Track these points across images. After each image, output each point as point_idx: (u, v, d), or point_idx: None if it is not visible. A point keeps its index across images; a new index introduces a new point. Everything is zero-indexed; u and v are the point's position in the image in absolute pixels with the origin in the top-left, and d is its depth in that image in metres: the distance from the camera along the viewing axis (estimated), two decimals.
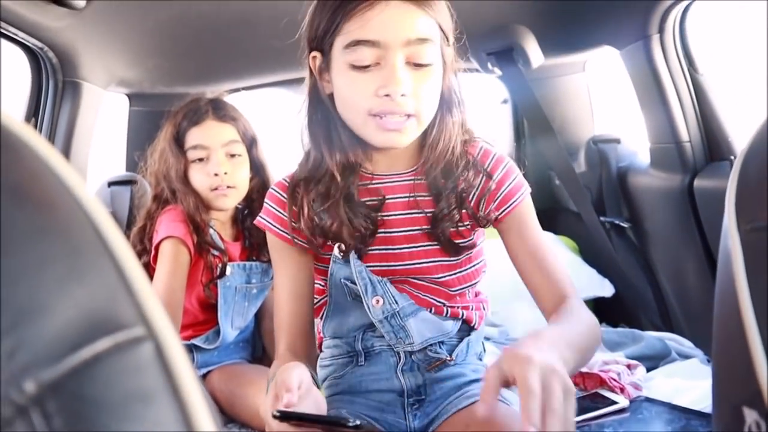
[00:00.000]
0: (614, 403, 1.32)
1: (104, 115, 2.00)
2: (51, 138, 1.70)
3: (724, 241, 0.49)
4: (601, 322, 2.19)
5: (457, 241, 1.00)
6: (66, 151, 1.75)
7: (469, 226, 1.01)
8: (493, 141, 1.06)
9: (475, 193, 1.00)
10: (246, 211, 1.66)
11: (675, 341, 1.67)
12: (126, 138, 2.27)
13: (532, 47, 2.06)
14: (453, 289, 1.04)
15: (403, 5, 0.86)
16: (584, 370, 1.49)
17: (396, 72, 0.86)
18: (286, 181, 1.05)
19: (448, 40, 0.94)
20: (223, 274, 1.53)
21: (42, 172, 0.28)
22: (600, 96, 2.51)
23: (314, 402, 0.79)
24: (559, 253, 2.27)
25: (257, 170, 1.63)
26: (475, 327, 1.09)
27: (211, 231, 1.56)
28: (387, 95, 0.87)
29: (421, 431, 1.02)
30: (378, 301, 1.00)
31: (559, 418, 0.63)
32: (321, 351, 1.13)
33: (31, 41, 1.51)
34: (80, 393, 0.23)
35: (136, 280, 0.27)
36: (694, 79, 1.73)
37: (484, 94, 2.77)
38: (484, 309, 1.12)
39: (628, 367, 1.48)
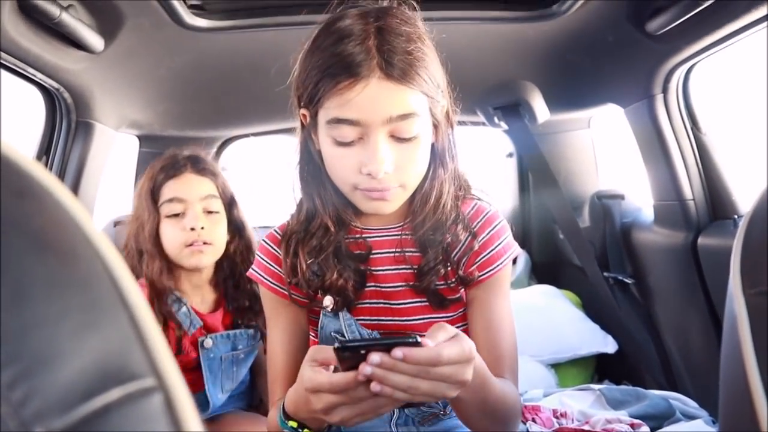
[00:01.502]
0: None
1: (114, 155, 2.03)
2: (61, 176, 1.72)
3: (730, 305, 0.50)
4: (603, 379, 2.17)
5: (445, 296, 0.98)
6: (75, 190, 1.76)
7: (455, 282, 0.98)
8: (491, 196, 1.05)
9: (458, 251, 0.98)
10: (229, 276, 1.56)
11: (679, 401, 1.64)
12: (134, 178, 2.29)
13: (538, 103, 2.10)
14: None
15: (383, 84, 0.82)
16: (586, 428, 1.46)
17: (378, 152, 0.83)
18: (277, 233, 1.04)
19: (439, 101, 0.90)
20: (201, 346, 1.47)
21: (65, 222, 0.29)
22: (605, 152, 2.54)
23: None
24: (562, 308, 2.26)
25: (238, 231, 1.56)
26: None
27: (182, 305, 1.49)
28: (369, 174, 0.85)
29: None
30: None
31: (431, 379, 0.70)
32: None
33: (49, 82, 1.54)
34: None
35: (149, 332, 0.27)
36: (697, 138, 1.76)
37: (489, 147, 2.81)
38: None
39: (632, 426, 1.45)
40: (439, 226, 0.96)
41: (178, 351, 1.45)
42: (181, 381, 0.27)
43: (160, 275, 1.44)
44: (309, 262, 0.97)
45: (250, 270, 1.05)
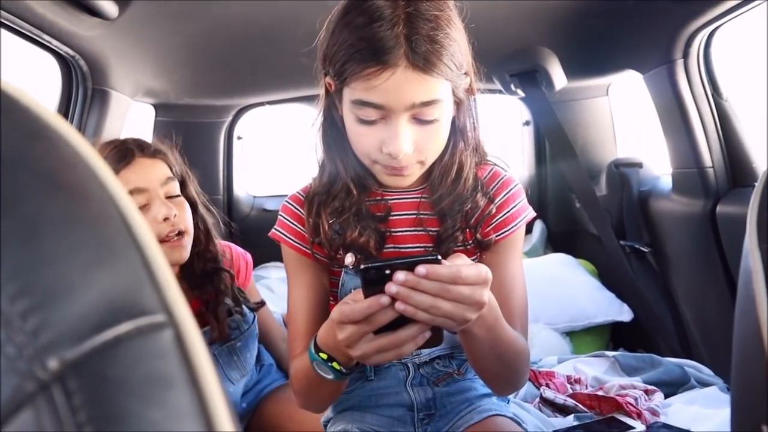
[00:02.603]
0: (630, 428, 1.30)
1: (130, 124, 2.04)
2: None
3: (745, 261, 0.49)
4: (618, 347, 2.17)
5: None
6: None
7: (472, 245, 1.00)
8: (506, 162, 1.06)
9: (475, 215, 1.00)
10: (193, 258, 1.41)
11: (694, 368, 1.64)
12: None
13: (555, 69, 2.07)
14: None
15: (408, 73, 0.83)
16: (600, 393, 1.47)
17: (399, 135, 0.86)
18: (301, 195, 1.05)
19: (461, 83, 0.91)
20: None
21: (76, 163, 0.29)
22: (623, 120, 2.50)
23: None
24: (577, 277, 2.26)
25: (194, 208, 1.42)
26: None
27: None
28: (389, 153, 0.88)
29: None
30: None
31: (453, 299, 0.72)
32: None
33: (64, 49, 1.54)
34: (101, 373, 0.23)
35: (160, 271, 0.28)
36: (717, 104, 1.73)
37: (506, 115, 2.78)
38: None
39: (646, 392, 1.46)
40: (458, 197, 0.97)
41: None
42: (191, 319, 0.27)
43: None
44: (331, 222, 0.99)
45: (273, 231, 1.05)
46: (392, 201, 1.02)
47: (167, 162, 1.37)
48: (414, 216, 1.01)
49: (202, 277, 1.43)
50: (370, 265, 0.73)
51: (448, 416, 1.03)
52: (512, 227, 0.99)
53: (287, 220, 1.04)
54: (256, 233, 1.94)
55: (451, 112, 0.92)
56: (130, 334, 0.25)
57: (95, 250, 0.26)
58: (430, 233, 0.99)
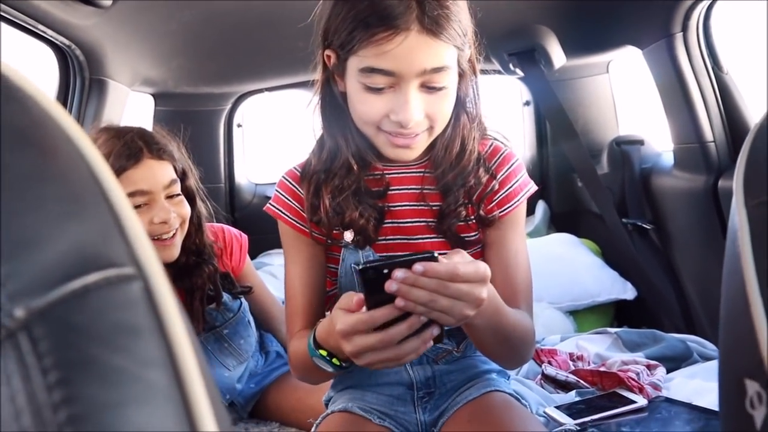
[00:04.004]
0: (632, 402, 1.31)
1: (129, 114, 2.04)
2: None
3: (732, 219, 0.49)
4: (622, 324, 2.17)
5: (463, 236, 1.00)
6: None
7: (474, 220, 1.00)
8: (507, 138, 1.06)
9: (477, 191, 0.99)
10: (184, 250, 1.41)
11: (697, 343, 1.64)
12: None
13: (553, 48, 2.05)
14: (444, 252, 1.04)
15: (420, 38, 0.83)
16: (603, 369, 1.47)
17: (409, 102, 0.86)
18: (297, 170, 1.04)
19: (465, 51, 0.91)
20: None
21: (45, 122, 0.29)
22: (625, 97, 2.49)
23: None
24: (580, 256, 2.26)
25: (192, 201, 1.43)
26: None
27: None
28: (398, 122, 0.88)
29: (431, 424, 1.02)
30: None
31: (450, 295, 0.73)
32: None
33: (59, 39, 1.54)
34: (68, 320, 0.23)
35: (130, 226, 0.28)
36: (718, 77, 1.71)
37: (506, 96, 2.76)
38: None
39: (648, 367, 1.46)
40: (462, 171, 0.97)
41: None
42: (161, 273, 0.27)
43: None
44: (330, 200, 0.98)
45: (268, 205, 1.04)
46: (393, 176, 1.02)
47: (173, 162, 1.37)
48: (416, 191, 1.00)
49: (184, 270, 1.43)
50: (368, 265, 0.73)
51: (448, 393, 1.03)
52: (515, 202, 0.99)
53: (284, 196, 1.03)
54: (258, 221, 1.93)
55: (456, 82, 0.92)
56: (98, 284, 0.25)
57: (64, 204, 0.26)
58: (433, 208, 0.99)
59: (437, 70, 0.86)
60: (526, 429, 0.92)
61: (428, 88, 0.87)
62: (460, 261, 0.75)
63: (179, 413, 0.23)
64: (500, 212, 0.99)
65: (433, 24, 0.83)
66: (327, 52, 0.93)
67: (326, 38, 0.92)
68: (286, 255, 1.06)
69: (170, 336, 0.25)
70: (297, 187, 1.02)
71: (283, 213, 1.02)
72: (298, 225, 1.02)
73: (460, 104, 0.96)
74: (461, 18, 0.87)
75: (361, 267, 0.73)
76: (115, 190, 0.29)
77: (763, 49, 1.77)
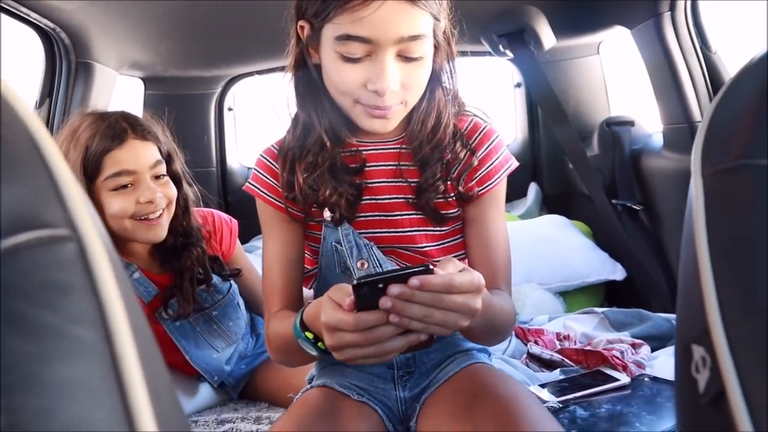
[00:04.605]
0: (615, 380, 1.32)
1: (120, 98, 2.04)
2: (64, 118, 1.73)
3: (690, 189, 0.49)
4: (612, 305, 2.18)
5: (442, 212, 1.00)
6: None
7: (454, 197, 1.00)
8: (487, 114, 1.05)
9: (457, 168, 1.00)
10: (173, 239, 1.43)
11: None
12: None
13: (543, 28, 2.04)
14: (438, 260, 1.01)
15: (397, 4, 0.82)
16: (588, 348, 1.48)
17: (386, 70, 0.85)
18: (275, 147, 1.04)
19: (441, 21, 0.91)
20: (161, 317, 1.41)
21: None
22: (616, 78, 2.48)
23: None
24: (571, 237, 2.26)
25: (178, 184, 1.43)
26: None
27: (133, 271, 1.40)
28: (375, 91, 0.87)
29: (412, 400, 1.03)
30: (363, 264, 1.01)
31: (445, 307, 0.72)
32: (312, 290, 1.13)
33: (44, 22, 1.54)
34: None
35: (67, 189, 0.28)
36: (706, 57, 1.71)
37: (497, 78, 2.76)
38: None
39: (633, 346, 1.47)
40: (438, 144, 0.98)
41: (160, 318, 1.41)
42: (97, 235, 0.28)
43: None
44: (305, 177, 0.98)
45: (247, 184, 1.04)
46: (369, 152, 1.01)
47: (157, 143, 1.38)
48: (393, 167, 1.00)
49: (172, 252, 1.44)
50: (363, 281, 0.72)
51: (428, 372, 1.04)
52: (495, 180, 1.00)
53: (261, 174, 1.03)
54: (250, 204, 1.93)
55: (432, 55, 0.92)
56: (29, 243, 0.25)
57: (1, 168, 0.27)
58: (411, 184, 0.99)
59: (414, 38, 0.85)
60: (509, 390, 0.92)
61: (404, 58, 0.87)
62: (455, 272, 0.74)
63: (106, 368, 0.24)
64: (480, 189, 0.99)
65: None
66: (300, 23, 0.92)
67: (300, 9, 0.91)
68: (263, 232, 1.05)
69: (102, 295, 0.26)
70: (274, 164, 1.02)
71: (261, 190, 1.03)
72: (275, 202, 1.02)
73: (435, 78, 0.95)
74: None
75: (355, 283, 0.72)
76: (56, 156, 0.29)
77: (751, 28, 1.76)
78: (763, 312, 0.37)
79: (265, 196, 1.02)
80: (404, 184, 1.00)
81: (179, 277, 1.44)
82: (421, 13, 0.85)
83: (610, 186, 2.17)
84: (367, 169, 1.01)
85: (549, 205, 2.72)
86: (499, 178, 1.00)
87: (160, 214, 1.35)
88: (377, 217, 1.01)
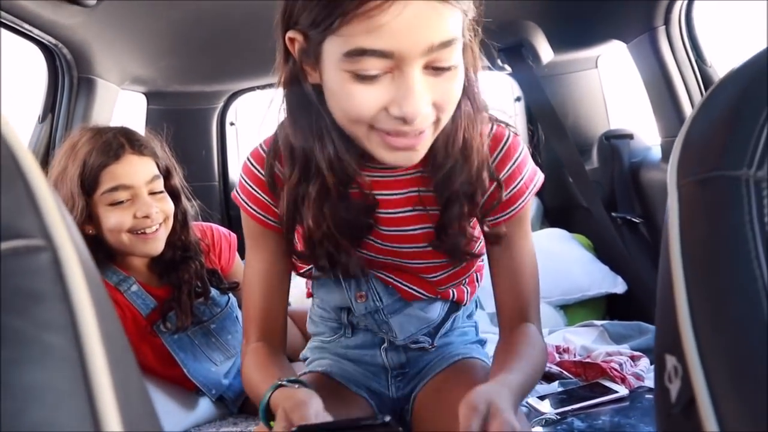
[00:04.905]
0: (614, 392, 1.32)
1: (123, 114, 2.06)
2: (67, 132, 1.76)
3: (668, 201, 0.50)
4: (614, 318, 2.18)
5: (465, 250, 0.89)
6: None
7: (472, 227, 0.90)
8: (507, 115, 0.93)
9: (484, 199, 0.87)
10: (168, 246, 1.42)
11: None
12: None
13: (541, 43, 2.06)
14: (443, 287, 0.99)
15: (424, 4, 0.65)
16: (587, 360, 1.48)
17: (414, 90, 0.68)
18: (262, 150, 0.91)
19: (468, 15, 0.75)
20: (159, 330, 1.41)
21: None
22: (616, 91, 2.49)
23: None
24: (571, 251, 2.26)
25: (176, 199, 1.43)
26: (465, 304, 1.05)
27: (131, 284, 1.41)
28: (402, 117, 0.70)
29: (404, 399, 1.03)
30: (362, 297, 0.96)
31: None
32: (311, 298, 1.09)
33: (46, 38, 1.56)
34: None
35: (43, 200, 0.29)
36: (702, 70, 1.72)
37: (497, 92, 2.77)
38: (477, 281, 1.07)
39: (632, 358, 1.47)
40: (468, 176, 0.83)
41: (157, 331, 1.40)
42: (72, 245, 0.29)
43: (103, 267, 1.35)
44: (308, 223, 0.85)
45: (233, 192, 0.97)
46: (380, 179, 0.88)
47: (155, 158, 1.39)
48: (407, 195, 0.88)
49: (170, 266, 1.45)
50: (301, 429, 0.64)
51: (420, 371, 1.03)
52: (521, 203, 0.88)
53: (248, 184, 0.92)
54: None
55: (462, 59, 0.74)
56: (4, 253, 0.26)
57: None
58: (429, 211, 0.87)
59: (446, 44, 0.68)
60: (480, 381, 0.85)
61: (434, 69, 0.70)
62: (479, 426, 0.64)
63: (74, 372, 0.25)
64: (503, 215, 0.88)
65: None
66: (290, 34, 0.74)
67: (288, 16, 0.73)
68: (247, 247, 0.96)
69: (73, 303, 0.27)
70: (261, 171, 0.90)
71: (247, 204, 0.93)
72: (262, 218, 0.92)
73: (463, 87, 0.77)
74: None
75: (294, 430, 0.64)
76: (33, 168, 0.30)
77: (746, 41, 1.78)
78: (731, 321, 0.37)
79: (249, 210, 0.92)
80: (422, 213, 0.88)
81: (177, 290, 1.45)
82: (452, 11, 0.68)
83: (610, 199, 2.17)
84: (379, 197, 0.88)
85: (549, 218, 2.73)
86: (524, 200, 0.88)
87: (157, 229, 1.36)
88: (381, 245, 0.93)
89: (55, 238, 0.28)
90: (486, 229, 0.89)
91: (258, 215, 0.92)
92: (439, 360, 1.02)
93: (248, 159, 0.94)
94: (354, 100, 0.70)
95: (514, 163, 0.87)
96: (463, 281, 1.03)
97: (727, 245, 0.40)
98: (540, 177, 0.91)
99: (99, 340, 0.26)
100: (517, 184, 0.87)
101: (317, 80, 0.75)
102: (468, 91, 0.80)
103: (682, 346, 0.39)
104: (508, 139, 0.87)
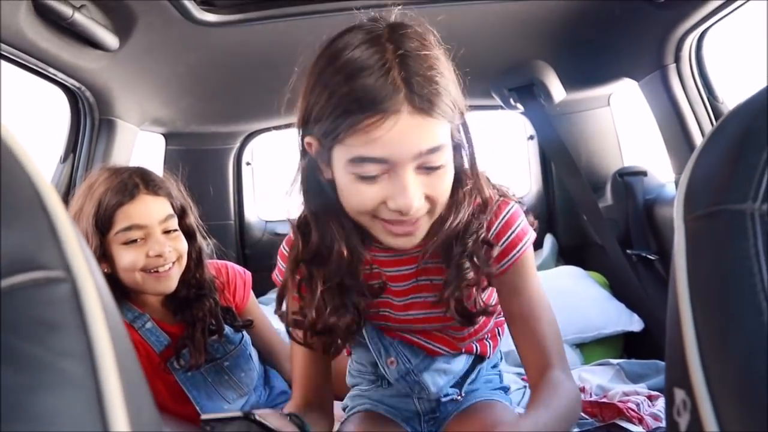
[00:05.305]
0: None
1: (142, 154, 2.11)
2: (87, 172, 1.79)
3: (675, 236, 0.51)
4: (631, 357, 2.15)
5: (471, 311, 0.95)
6: None
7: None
8: (502, 182, 1.02)
9: (479, 255, 0.94)
10: (182, 285, 1.44)
11: None
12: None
13: (552, 82, 2.09)
14: (464, 343, 1.09)
15: (412, 119, 0.76)
16: (603, 400, 1.46)
17: (407, 188, 0.79)
18: (285, 250, 1.05)
19: (457, 121, 0.85)
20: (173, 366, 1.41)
21: None
22: (629, 129, 2.51)
23: None
24: (587, 289, 2.25)
25: (190, 238, 1.45)
26: (489, 356, 1.15)
27: (146, 320, 1.42)
28: (398, 210, 0.82)
29: None
30: (392, 362, 1.06)
31: None
32: (350, 356, 1.21)
33: (70, 81, 1.61)
34: None
35: (65, 235, 0.31)
36: (714, 107, 1.73)
37: (511, 131, 2.80)
38: (499, 335, 1.18)
39: (649, 398, 1.45)
40: (457, 236, 0.93)
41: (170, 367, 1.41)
42: (91, 277, 0.30)
43: (117, 304, 1.35)
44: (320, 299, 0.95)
45: (274, 275, 1.07)
46: (388, 258, 1.00)
47: (169, 198, 1.41)
48: (414, 269, 0.99)
49: (185, 303, 1.46)
50: (207, 419, 0.75)
51: (450, 414, 1.12)
52: (514, 255, 0.95)
53: (284, 266, 1.02)
54: (268, 257, 1.96)
55: (452, 157, 0.86)
56: (25, 284, 0.27)
57: (1, 213, 0.29)
58: (434, 282, 0.98)
59: (434, 150, 0.79)
60: (497, 419, 0.98)
61: (425, 168, 0.81)
62: None
63: (90, 400, 0.26)
64: (498, 268, 0.95)
65: (424, 102, 0.77)
66: (308, 139, 0.87)
67: (306, 125, 0.86)
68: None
69: (91, 332, 0.28)
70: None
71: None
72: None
73: (455, 178, 0.89)
74: (450, 89, 0.81)
75: (203, 418, 0.75)
76: (55, 203, 0.32)
77: (755, 75, 1.78)
78: (739, 352, 0.38)
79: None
80: (427, 283, 0.99)
81: (191, 327, 1.46)
82: (438, 123, 0.79)
83: (625, 236, 2.17)
84: (387, 274, 1.01)
85: (565, 256, 2.72)
86: (516, 254, 0.95)
87: (170, 267, 1.37)
88: (397, 316, 1.04)
89: (74, 270, 0.29)
90: (493, 273, 0.95)
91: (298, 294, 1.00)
92: (465, 403, 1.12)
93: (283, 246, 1.06)
94: (359, 196, 0.83)
95: (503, 219, 0.97)
96: (485, 337, 1.12)
97: (732, 278, 0.40)
98: (532, 234, 1.00)
99: (115, 369, 0.27)
100: (511, 234, 0.96)
101: (330, 177, 0.87)
102: (459, 179, 0.90)
103: (690, 379, 0.39)
104: (495, 203, 0.97)
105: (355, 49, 0.79)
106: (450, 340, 1.07)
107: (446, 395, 1.11)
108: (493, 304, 1.01)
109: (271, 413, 0.83)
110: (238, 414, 0.77)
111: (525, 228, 0.98)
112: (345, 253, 0.90)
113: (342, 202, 0.87)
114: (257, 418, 0.76)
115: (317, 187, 0.89)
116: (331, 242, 0.91)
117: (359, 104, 0.76)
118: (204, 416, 0.75)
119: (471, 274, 0.93)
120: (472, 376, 1.14)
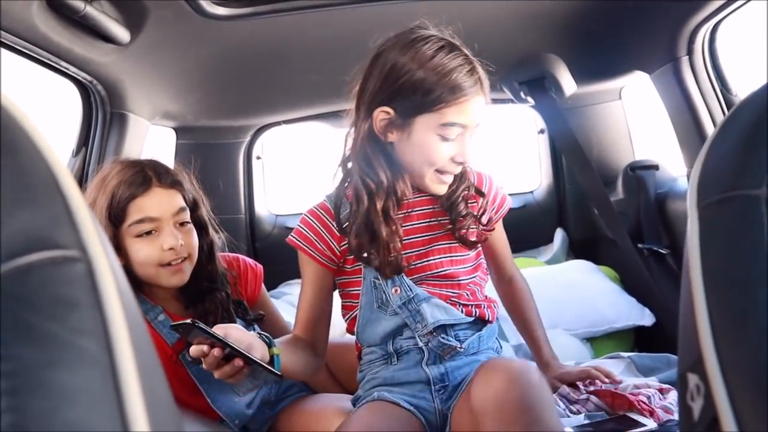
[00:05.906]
0: (642, 425, 1.29)
1: (153, 148, 2.12)
2: (99, 166, 1.80)
3: (688, 224, 0.50)
4: (642, 350, 2.13)
5: (472, 239, 1.26)
6: None
7: (479, 229, 1.28)
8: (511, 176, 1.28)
9: (480, 207, 1.29)
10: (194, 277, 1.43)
11: None
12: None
13: (563, 75, 2.08)
14: (459, 279, 1.27)
15: (480, 99, 1.14)
16: (615, 391, 1.45)
17: (470, 147, 1.15)
18: (317, 210, 1.27)
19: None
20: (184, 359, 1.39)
21: (11, 126, 0.33)
22: (641, 122, 2.49)
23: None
24: (597, 283, 2.24)
25: (202, 230, 1.46)
26: (489, 321, 1.30)
27: (158, 313, 1.42)
28: (461, 162, 1.16)
29: (447, 411, 1.20)
30: (396, 290, 1.23)
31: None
32: (360, 359, 1.34)
33: (81, 75, 1.62)
34: (11, 291, 0.26)
35: (80, 216, 0.31)
36: (727, 100, 1.72)
37: (521, 125, 2.79)
38: (495, 307, 1.34)
39: (661, 391, 1.44)
40: (462, 191, 1.26)
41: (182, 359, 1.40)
42: (105, 257, 0.30)
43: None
44: (362, 232, 1.19)
45: (290, 237, 1.25)
46: (410, 200, 1.25)
47: (182, 191, 1.41)
48: (430, 210, 1.27)
49: (197, 296, 1.46)
50: (176, 325, 1.02)
51: (459, 384, 1.21)
52: (507, 204, 1.36)
53: (303, 229, 1.26)
54: (279, 250, 1.97)
55: None
56: (42, 262, 0.28)
57: (19, 194, 0.30)
58: (441, 222, 1.26)
59: (482, 122, 1.16)
60: (512, 364, 1.08)
61: (473, 135, 1.16)
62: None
63: (106, 376, 0.26)
64: (497, 216, 1.35)
65: (486, 89, 1.15)
66: (381, 109, 1.14)
67: (379, 99, 1.14)
68: (303, 277, 1.29)
69: (106, 311, 0.28)
70: (317, 224, 1.25)
71: (302, 243, 1.25)
72: (312, 254, 1.24)
73: None
74: None
75: (171, 324, 0.99)
76: (70, 185, 0.32)
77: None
78: (753, 336, 0.37)
79: (306, 249, 1.25)
80: (436, 223, 1.26)
81: (203, 320, 1.46)
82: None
83: (636, 230, 2.16)
84: (408, 214, 1.25)
85: (575, 250, 2.71)
86: (504, 208, 1.36)
87: (182, 260, 1.38)
88: (411, 253, 1.24)
89: (89, 250, 0.30)
90: (494, 220, 1.34)
91: (309, 251, 1.25)
92: (472, 373, 1.19)
93: (305, 214, 1.28)
94: (438, 152, 1.14)
95: (488, 179, 1.34)
96: (482, 305, 1.29)
97: (746, 263, 0.40)
98: (509, 201, 1.38)
99: (129, 346, 0.28)
100: (497, 198, 1.34)
101: (395, 139, 1.17)
102: None
103: (704, 364, 0.39)
104: (486, 176, 1.35)
105: (448, 47, 1.14)
106: (450, 296, 1.26)
107: (446, 340, 1.22)
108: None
109: (233, 326, 1.07)
110: (188, 321, 0.99)
111: (504, 194, 1.37)
112: (392, 196, 1.17)
113: (409, 157, 1.17)
114: (199, 324, 0.99)
115: (380, 147, 1.17)
116: (372, 194, 1.17)
117: (467, 84, 1.11)
118: (173, 323, 1.02)
119: (470, 219, 1.25)
120: (473, 338, 1.26)
